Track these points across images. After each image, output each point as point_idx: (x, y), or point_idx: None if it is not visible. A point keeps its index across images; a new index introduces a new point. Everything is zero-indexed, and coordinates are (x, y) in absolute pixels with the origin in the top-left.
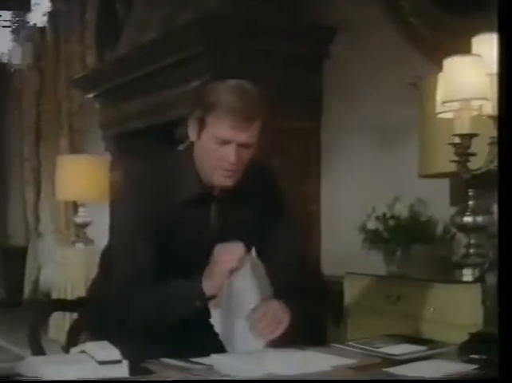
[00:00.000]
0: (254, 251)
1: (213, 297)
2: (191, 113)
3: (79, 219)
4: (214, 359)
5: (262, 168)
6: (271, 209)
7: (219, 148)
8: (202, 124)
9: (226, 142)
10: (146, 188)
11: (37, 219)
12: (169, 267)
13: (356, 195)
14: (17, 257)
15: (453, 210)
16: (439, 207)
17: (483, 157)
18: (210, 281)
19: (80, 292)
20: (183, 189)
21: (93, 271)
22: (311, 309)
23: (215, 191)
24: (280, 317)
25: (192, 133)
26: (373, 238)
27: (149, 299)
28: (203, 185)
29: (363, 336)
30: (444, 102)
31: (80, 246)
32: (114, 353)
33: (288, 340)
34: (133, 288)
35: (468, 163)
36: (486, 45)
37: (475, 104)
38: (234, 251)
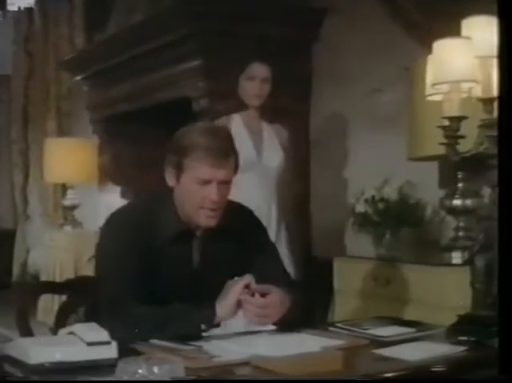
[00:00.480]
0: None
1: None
2: (166, 161)
3: (67, 202)
4: (204, 340)
5: (239, 207)
6: (255, 247)
7: (201, 188)
8: (180, 169)
9: (206, 182)
10: (129, 228)
11: (26, 201)
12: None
13: (345, 178)
14: (6, 239)
15: (442, 193)
16: (428, 189)
17: (472, 140)
18: (222, 310)
19: (69, 274)
20: (165, 229)
21: (81, 253)
22: (301, 293)
23: (196, 231)
24: (279, 308)
25: (171, 179)
26: (362, 221)
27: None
28: (184, 225)
29: (352, 318)
30: (434, 84)
31: (68, 228)
32: (103, 334)
33: (278, 322)
34: (122, 309)
35: (457, 146)
36: (476, 28)
37: (464, 86)
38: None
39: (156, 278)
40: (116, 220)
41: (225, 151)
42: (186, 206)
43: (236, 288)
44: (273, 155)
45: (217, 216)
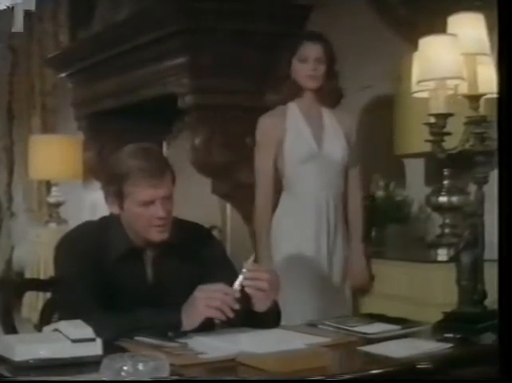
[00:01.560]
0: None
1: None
2: (105, 191)
3: (52, 199)
4: (189, 337)
5: (193, 224)
6: (209, 260)
7: (145, 209)
8: (121, 196)
9: (149, 202)
10: (80, 249)
11: (10, 198)
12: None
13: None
14: None
15: (428, 190)
16: (414, 186)
17: (458, 137)
18: (188, 319)
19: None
20: (114, 249)
21: None
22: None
23: (147, 248)
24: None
25: (113, 208)
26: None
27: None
28: (132, 243)
29: (337, 315)
30: (420, 81)
31: (53, 225)
32: (87, 331)
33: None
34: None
35: (443, 143)
36: (462, 25)
37: (451, 83)
38: (212, 292)
39: (113, 295)
40: (66, 243)
41: (159, 169)
42: (135, 228)
43: (200, 313)
44: (336, 145)
45: (167, 229)
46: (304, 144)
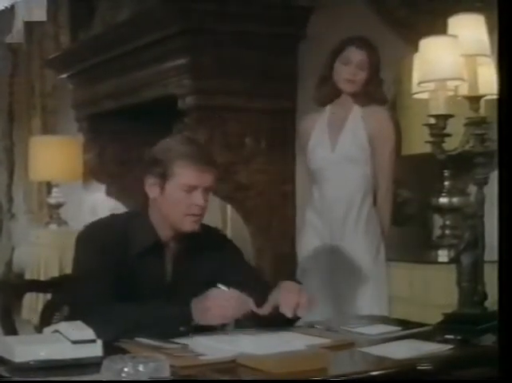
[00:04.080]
0: (220, 286)
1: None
2: (147, 172)
3: (52, 200)
4: (189, 338)
5: (214, 228)
6: (225, 260)
7: (186, 195)
8: (165, 178)
9: (192, 188)
10: (101, 241)
11: (11, 199)
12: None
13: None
14: None
15: (428, 191)
16: (414, 188)
17: (459, 138)
18: (201, 316)
19: (54, 273)
20: (139, 242)
21: (66, 252)
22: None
23: (170, 243)
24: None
25: (153, 190)
26: None
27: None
28: (157, 237)
29: (338, 316)
30: (420, 82)
31: (53, 226)
32: (88, 332)
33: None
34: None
35: (443, 144)
36: (462, 26)
37: (451, 84)
38: (226, 300)
39: (131, 290)
40: (88, 233)
41: (207, 159)
42: (170, 214)
43: (215, 318)
44: (351, 146)
45: (199, 221)
46: (319, 146)
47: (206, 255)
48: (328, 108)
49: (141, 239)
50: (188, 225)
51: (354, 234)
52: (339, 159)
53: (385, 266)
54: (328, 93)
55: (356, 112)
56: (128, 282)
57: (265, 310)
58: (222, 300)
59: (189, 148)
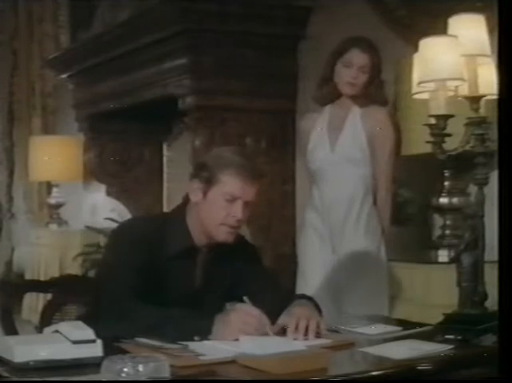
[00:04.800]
0: (246, 300)
1: None
2: (194, 176)
3: (52, 200)
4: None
5: (244, 238)
6: (254, 273)
7: (227, 205)
8: (210, 183)
9: (234, 199)
10: (136, 240)
11: (11, 199)
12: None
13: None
14: None
15: (429, 191)
16: (414, 188)
17: (459, 138)
18: (219, 332)
19: (54, 273)
20: (173, 245)
21: (67, 252)
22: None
23: (203, 249)
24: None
25: (197, 194)
26: None
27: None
28: (192, 242)
29: (338, 316)
30: (420, 83)
31: (53, 226)
32: (88, 332)
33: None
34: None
35: (444, 144)
36: (462, 26)
37: (451, 84)
38: (248, 317)
39: (158, 291)
40: (125, 230)
41: (257, 171)
42: (207, 221)
43: (233, 333)
44: (351, 147)
45: (235, 234)
46: (319, 147)
47: (236, 265)
48: (328, 108)
49: (176, 242)
50: (223, 235)
51: (354, 234)
52: (338, 159)
53: (386, 266)
54: (329, 94)
55: (356, 112)
56: (157, 283)
57: (274, 330)
58: (245, 315)
59: (239, 158)
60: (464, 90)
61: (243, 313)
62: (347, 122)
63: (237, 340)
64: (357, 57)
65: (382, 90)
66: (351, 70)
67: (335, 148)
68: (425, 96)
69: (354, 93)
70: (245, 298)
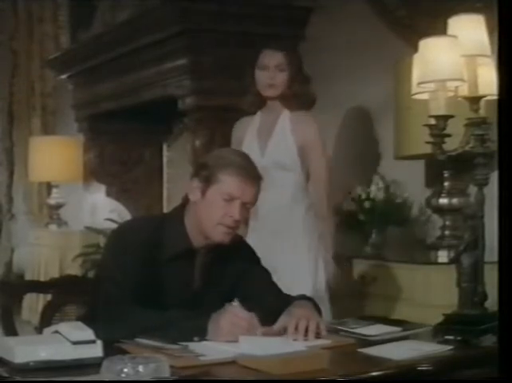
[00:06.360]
0: (236, 301)
1: None
2: (194, 175)
3: (52, 201)
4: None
5: (243, 240)
6: (250, 272)
7: (225, 204)
8: (209, 182)
9: (232, 199)
10: (134, 241)
11: (10, 200)
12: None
13: (331, 177)
14: None
15: (428, 191)
16: (414, 188)
17: (459, 138)
18: (212, 332)
19: (54, 273)
20: (171, 246)
21: (66, 252)
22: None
23: (201, 250)
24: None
25: (196, 193)
26: (349, 220)
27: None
28: (190, 243)
29: (338, 317)
30: (420, 83)
31: (53, 227)
32: (88, 333)
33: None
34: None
35: (443, 145)
36: (462, 26)
37: (451, 85)
38: (239, 319)
39: (157, 292)
40: (123, 232)
41: (255, 175)
42: (204, 220)
43: (227, 334)
44: (281, 153)
45: (232, 235)
46: (250, 152)
47: (234, 266)
48: (259, 113)
49: (174, 244)
50: (219, 235)
51: (289, 241)
52: (268, 164)
53: (324, 287)
54: (254, 101)
55: (285, 116)
56: (154, 285)
57: (272, 332)
58: (234, 317)
59: (240, 159)
60: (464, 91)
61: (232, 314)
62: (276, 127)
63: (236, 341)
64: (270, 57)
65: (307, 86)
66: (268, 72)
67: (265, 153)
68: (425, 96)
69: (278, 94)
70: (235, 299)
